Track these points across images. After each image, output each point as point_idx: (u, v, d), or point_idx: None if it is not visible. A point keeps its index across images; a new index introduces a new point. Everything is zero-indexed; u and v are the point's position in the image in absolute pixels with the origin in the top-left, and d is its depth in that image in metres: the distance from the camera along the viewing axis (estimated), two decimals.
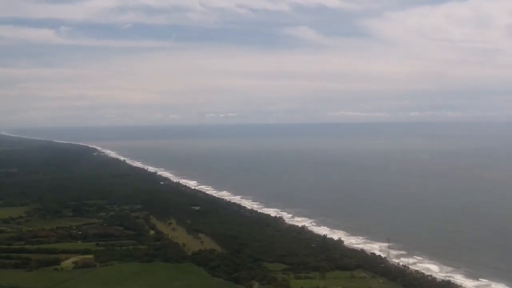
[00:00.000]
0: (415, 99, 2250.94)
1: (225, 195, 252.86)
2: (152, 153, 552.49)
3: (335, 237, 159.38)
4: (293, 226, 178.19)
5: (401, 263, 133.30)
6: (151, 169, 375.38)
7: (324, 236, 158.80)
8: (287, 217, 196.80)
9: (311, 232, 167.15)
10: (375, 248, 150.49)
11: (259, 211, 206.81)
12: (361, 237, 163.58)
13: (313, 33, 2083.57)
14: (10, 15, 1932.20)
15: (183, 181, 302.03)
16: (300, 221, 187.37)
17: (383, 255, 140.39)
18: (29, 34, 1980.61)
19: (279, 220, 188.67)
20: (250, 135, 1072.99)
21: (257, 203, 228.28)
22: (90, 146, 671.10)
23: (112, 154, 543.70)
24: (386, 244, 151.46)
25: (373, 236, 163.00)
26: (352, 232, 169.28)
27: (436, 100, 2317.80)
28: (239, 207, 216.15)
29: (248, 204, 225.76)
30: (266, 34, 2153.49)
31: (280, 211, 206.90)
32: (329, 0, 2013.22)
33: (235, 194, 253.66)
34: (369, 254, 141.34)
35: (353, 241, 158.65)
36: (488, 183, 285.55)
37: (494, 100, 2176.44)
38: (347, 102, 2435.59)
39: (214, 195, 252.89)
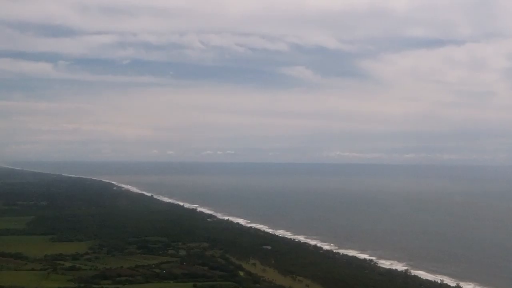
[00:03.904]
0: (410, 141, 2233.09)
1: (286, 234, 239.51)
2: (170, 189, 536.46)
3: (451, 284, 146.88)
4: (391, 270, 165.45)
5: None
6: (187, 205, 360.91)
7: (441, 282, 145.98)
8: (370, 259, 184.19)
9: (418, 278, 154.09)
10: None
11: (341, 253, 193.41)
12: (471, 283, 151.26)
13: (310, 73, 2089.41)
14: (9, 48, 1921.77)
15: (232, 219, 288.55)
16: (389, 265, 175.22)
17: None
18: (27, 67, 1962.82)
19: (369, 263, 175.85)
20: (254, 173, 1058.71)
21: (327, 243, 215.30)
22: (104, 180, 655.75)
23: (133, 189, 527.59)
24: None
25: (483, 283, 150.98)
26: (457, 277, 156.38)
27: (430, 142, 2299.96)
28: (315, 247, 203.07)
29: (318, 244, 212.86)
30: (264, 73, 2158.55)
31: (359, 253, 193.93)
32: (327, 41, 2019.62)
33: (295, 233, 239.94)
34: None
35: None
36: None
37: (488, 143, 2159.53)
38: (343, 142, 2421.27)
39: (274, 234, 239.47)
